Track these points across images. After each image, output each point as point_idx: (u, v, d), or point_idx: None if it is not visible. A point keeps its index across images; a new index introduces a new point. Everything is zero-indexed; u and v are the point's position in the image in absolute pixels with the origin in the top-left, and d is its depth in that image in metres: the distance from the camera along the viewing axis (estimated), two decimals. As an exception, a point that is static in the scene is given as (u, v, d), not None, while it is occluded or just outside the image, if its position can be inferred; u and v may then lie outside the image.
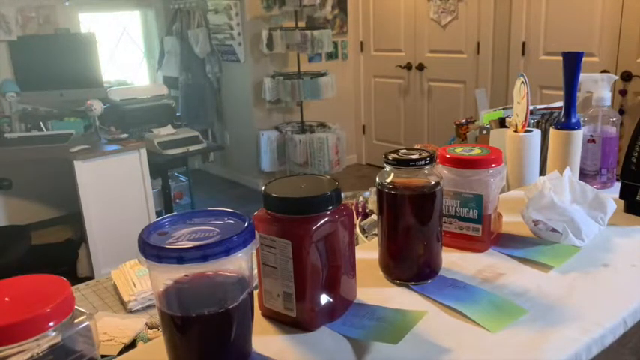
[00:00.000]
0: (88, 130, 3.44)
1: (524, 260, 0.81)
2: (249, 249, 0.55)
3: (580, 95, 1.14)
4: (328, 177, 0.68)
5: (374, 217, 1.47)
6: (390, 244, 0.76)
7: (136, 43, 5.11)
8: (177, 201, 3.89)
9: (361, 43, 5.04)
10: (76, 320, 0.48)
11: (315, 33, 4.19)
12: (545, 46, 3.71)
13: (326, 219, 0.62)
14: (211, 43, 4.65)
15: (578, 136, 1.08)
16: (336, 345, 0.62)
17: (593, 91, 1.14)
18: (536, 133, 1.15)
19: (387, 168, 0.73)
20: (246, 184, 4.84)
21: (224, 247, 0.52)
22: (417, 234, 0.74)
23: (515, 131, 1.15)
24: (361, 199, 1.62)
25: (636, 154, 0.96)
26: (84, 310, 0.49)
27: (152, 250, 0.52)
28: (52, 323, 0.45)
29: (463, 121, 1.69)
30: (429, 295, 0.72)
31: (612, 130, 1.12)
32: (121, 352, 1.20)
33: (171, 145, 3.48)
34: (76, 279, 2.84)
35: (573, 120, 1.07)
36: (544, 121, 1.38)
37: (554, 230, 0.86)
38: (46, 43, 3.62)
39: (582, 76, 1.09)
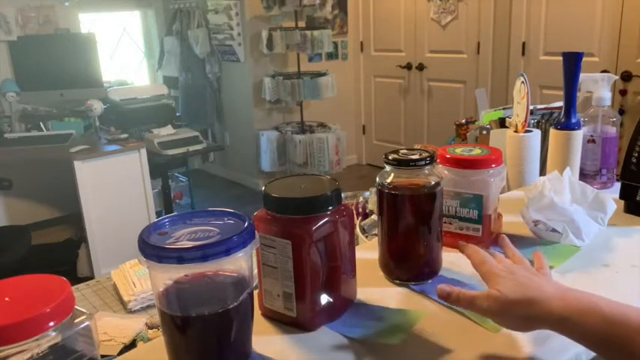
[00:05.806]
0: (88, 130, 3.44)
1: (524, 260, 0.81)
2: (249, 249, 0.55)
3: (580, 95, 1.14)
4: (328, 177, 0.68)
5: (374, 217, 1.47)
6: (390, 244, 0.76)
7: (136, 43, 5.11)
8: (177, 201, 3.89)
9: (361, 43, 5.04)
10: (76, 320, 0.48)
11: (315, 33, 4.19)
12: (545, 46, 3.70)
13: (326, 219, 0.62)
14: (211, 43, 4.65)
15: (578, 136, 1.08)
16: (336, 345, 0.62)
17: (593, 91, 1.14)
18: (536, 133, 1.15)
19: (387, 168, 0.73)
20: (246, 184, 4.84)
21: (224, 247, 0.52)
22: (417, 234, 0.74)
23: (516, 131, 1.15)
24: (361, 199, 1.62)
25: (636, 154, 0.96)
26: (84, 310, 0.49)
27: (152, 250, 0.52)
28: (52, 323, 0.45)
29: (463, 121, 1.69)
30: (429, 295, 0.72)
31: (612, 130, 1.12)
32: (121, 352, 1.20)
33: (171, 145, 3.48)
34: (76, 279, 2.84)
35: (573, 120, 1.07)
36: (544, 121, 1.38)
37: (554, 230, 0.86)
38: (46, 43, 3.62)
39: (582, 76, 1.09)
